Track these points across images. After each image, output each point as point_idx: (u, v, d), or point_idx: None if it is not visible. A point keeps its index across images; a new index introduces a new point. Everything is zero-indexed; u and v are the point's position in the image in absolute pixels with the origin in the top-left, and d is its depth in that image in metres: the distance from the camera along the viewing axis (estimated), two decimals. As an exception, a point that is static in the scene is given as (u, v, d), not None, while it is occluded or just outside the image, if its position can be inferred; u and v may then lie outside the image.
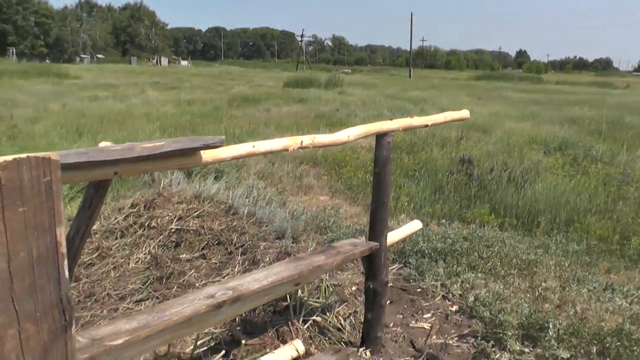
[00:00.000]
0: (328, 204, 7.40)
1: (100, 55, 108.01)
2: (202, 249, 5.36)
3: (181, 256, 5.20)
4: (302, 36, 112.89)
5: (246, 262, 5.06)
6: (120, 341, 1.92)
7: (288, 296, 3.74)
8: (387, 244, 3.49)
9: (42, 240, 1.59)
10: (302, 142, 2.56)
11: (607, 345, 3.67)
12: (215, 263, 5.15)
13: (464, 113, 4.24)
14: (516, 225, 6.98)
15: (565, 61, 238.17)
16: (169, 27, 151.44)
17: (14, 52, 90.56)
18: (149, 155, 1.87)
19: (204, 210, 5.92)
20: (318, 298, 4.02)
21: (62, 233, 1.62)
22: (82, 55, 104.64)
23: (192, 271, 4.95)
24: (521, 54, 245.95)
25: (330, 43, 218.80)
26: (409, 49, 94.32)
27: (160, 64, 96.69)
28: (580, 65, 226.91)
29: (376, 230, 3.38)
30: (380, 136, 3.26)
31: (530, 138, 13.12)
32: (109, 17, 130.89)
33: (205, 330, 3.39)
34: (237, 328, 3.42)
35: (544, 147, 12.25)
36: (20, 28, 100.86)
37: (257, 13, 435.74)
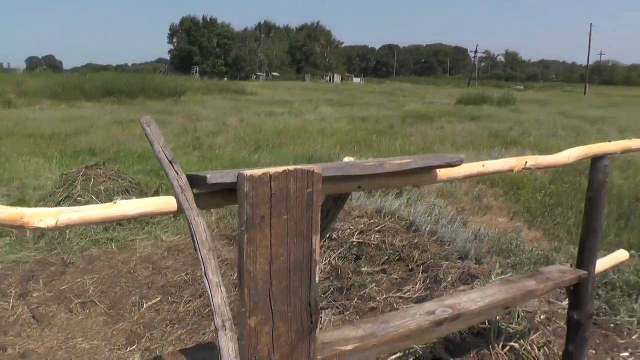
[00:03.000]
0: (508, 227, 7.18)
1: (275, 73, 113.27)
2: (383, 263, 5.39)
3: (362, 269, 5.27)
4: (475, 52, 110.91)
5: (428, 280, 5.02)
6: (350, 347, 1.99)
7: (487, 321, 3.67)
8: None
9: (299, 247, 1.70)
10: (526, 162, 2.53)
11: None
12: (396, 279, 5.16)
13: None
14: None
15: None
16: (343, 45, 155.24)
17: (197, 70, 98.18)
18: (395, 172, 1.93)
19: (385, 225, 5.95)
20: (511, 324, 3.91)
21: (317, 241, 1.72)
22: (258, 73, 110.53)
23: (373, 285, 4.99)
24: None
25: (502, 59, 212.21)
26: (584, 64, 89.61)
27: (333, 82, 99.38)
28: None
29: (586, 258, 3.22)
30: (597, 159, 3.12)
31: None
32: (286, 37, 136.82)
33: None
34: (439, 346, 3.42)
35: None
36: (205, 49, 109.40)
37: (430, 30, 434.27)
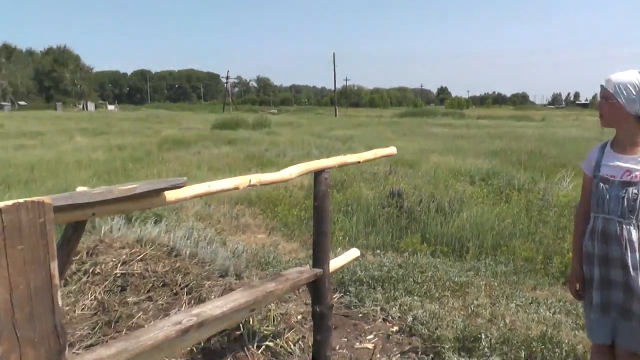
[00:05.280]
0: (266, 242, 7.62)
1: (22, 102, 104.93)
2: (148, 291, 5.45)
3: (128, 299, 5.29)
4: (227, 78, 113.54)
5: (192, 301, 5.20)
6: (103, 365, 2.13)
7: (241, 325, 3.97)
8: (330, 271, 3.79)
9: (38, 274, 1.81)
10: (250, 180, 2.85)
11: (534, 349, 4.12)
12: (162, 304, 5.26)
13: (392, 149, 4.62)
14: (447, 252, 7.36)
15: (484, 96, 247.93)
16: (94, 71, 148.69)
17: None
18: (124, 197, 2.12)
19: (146, 253, 6.01)
20: (268, 326, 4.28)
21: (55, 267, 1.85)
22: (2, 103, 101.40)
23: (140, 313, 5.04)
24: (442, 90, 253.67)
25: (255, 84, 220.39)
26: (333, 89, 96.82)
27: (87, 109, 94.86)
28: (499, 100, 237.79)
29: (319, 258, 3.68)
30: (318, 173, 3.59)
31: (455, 170, 13.75)
32: (30, 61, 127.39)
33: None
34: (198, 356, 3.63)
35: (469, 178, 12.85)
36: None
37: (181, 55, 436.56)
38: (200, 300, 5.14)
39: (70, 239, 2.25)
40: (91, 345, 4.50)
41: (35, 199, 1.81)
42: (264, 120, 36.26)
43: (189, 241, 6.51)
